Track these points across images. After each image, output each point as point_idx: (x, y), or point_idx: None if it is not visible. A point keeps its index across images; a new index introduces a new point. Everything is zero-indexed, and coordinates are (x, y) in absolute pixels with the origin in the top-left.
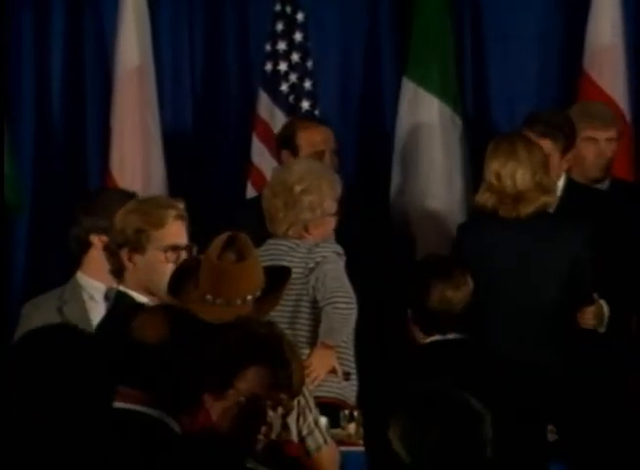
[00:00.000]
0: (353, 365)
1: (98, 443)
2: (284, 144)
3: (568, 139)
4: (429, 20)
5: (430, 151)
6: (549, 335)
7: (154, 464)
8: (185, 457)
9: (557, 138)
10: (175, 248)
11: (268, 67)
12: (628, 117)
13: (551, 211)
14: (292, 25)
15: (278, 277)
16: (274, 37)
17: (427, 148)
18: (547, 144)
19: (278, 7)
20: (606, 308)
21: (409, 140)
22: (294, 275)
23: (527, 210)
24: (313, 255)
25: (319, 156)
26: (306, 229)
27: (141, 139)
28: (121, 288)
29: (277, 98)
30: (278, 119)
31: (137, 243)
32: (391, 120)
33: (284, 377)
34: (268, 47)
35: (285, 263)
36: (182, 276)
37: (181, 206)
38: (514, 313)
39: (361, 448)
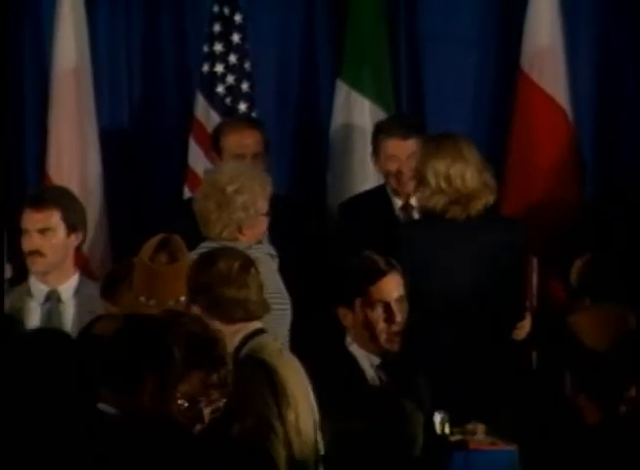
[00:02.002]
0: None
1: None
2: (212, 146)
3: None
4: (363, 22)
5: (362, 152)
6: (498, 334)
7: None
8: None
9: (419, 135)
10: None
11: (205, 68)
12: (570, 116)
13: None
14: (229, 27)
15: None
16: (212, 39)
17: (359, 150)
18: (413, 142)
19: (216, 8)
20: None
21: (342, 142)
22: None
23: (477, 209)
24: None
25: (240, 159)
26: (240, 230)
27: (78, 140)
28: None
29: (213, 100)
30: (214, 122)
31: None
32: (327, 122)
33: (221, 376)
34: (206, 48)
35: None
36: (114, 278)
37: None
38: (462, 312)
39: None
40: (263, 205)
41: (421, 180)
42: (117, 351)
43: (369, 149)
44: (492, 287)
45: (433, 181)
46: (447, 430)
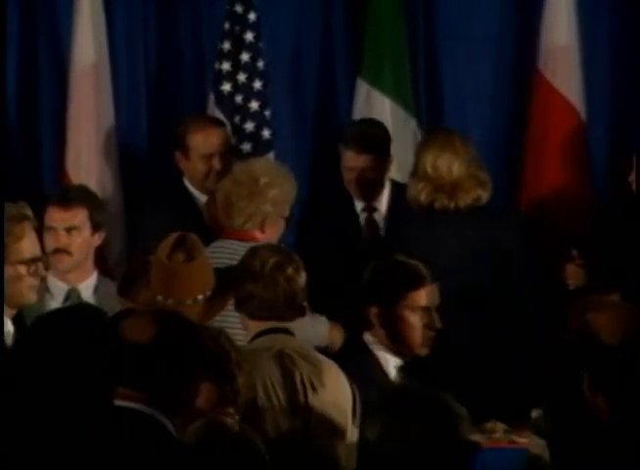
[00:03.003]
0: None
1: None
2: (176, 145)
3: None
4: (382, 20)
5: None
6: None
7: (143, 460)
8: (174, 456)
9: (376, 151)
10: (34, 260)
11: (217, 66)
12: (583, 116)
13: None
14: (243, 25)
15: (227, 278)
16: (223, 37)
17: None
18: (367, 158)
19: (229, 6)
20: None
21: None
22: None
23: (465, 200)
24: None
25: (208, 158)
26: (262, 225)
27: (96, 137)
28: None
29: (219, 98)
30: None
31: None
32: (345, 121)
33: (230, 392)
34: (220, 46)
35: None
36: (132, 277)
37: (30, 214)
38: (458, 307)
39: None
40: (288, 207)
41: (413, 172)
42: (165, 353)
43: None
44: (483, 283)
45: (421, 170)
46: None
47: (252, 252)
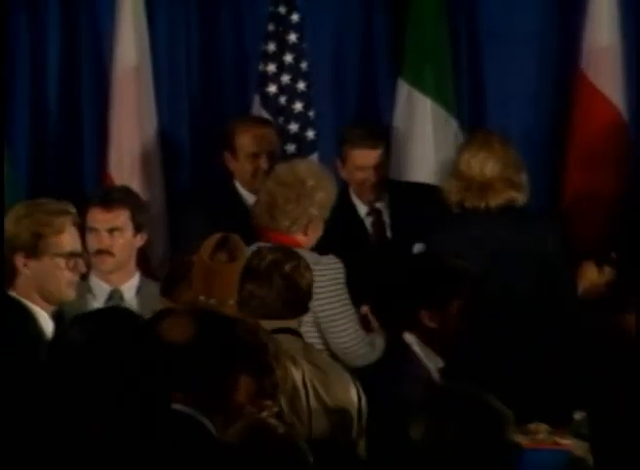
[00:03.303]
0: None
1: (134, 438)
2: (224, 145)
3: (386, 144)
4: (424, 21)
5: (424, 153)
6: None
7: (184, 459)
8: (214, 457)
9: (384, 143)
10: (73, 255)
11: (261, 68)
12: (625, 117)
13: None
14: (286, 26)
15: None
16: (267, 38)
17: (421, 150)
18: (380, 151)
19: (272, 8)
20: None
21: (404, 142)
22: None
23: (496, 201)
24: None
25: (255, 158)
26: (307, 228)
27: (138, 138)
28: (13, 294)
29: (265, 99)
30: None
31: (34, 248)
32: (387, 122)
33: (269, 385)
34: (263, 48)
35: None
36: (174, 277)
37: (73, 211)
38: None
39: None
40: (329, 210)
41: (451, 171)
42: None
43: (430, 147)
44: (514, 284)
45: (456, 169)
46: None
47: (257, 251)
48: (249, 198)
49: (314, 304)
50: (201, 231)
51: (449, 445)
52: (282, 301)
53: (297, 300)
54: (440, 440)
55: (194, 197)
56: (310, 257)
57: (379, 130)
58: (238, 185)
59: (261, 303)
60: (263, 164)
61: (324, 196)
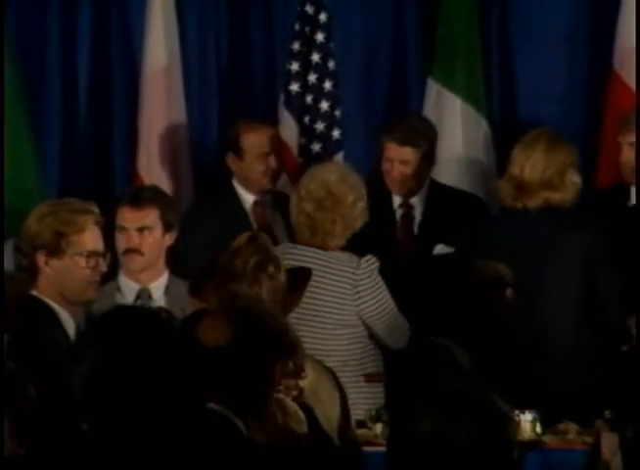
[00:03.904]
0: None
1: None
2: (229, 147)
3: (429, 144)
4: (455, 19)
5: (453, 151)
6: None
7: (215, 456)
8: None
9: (417, 144)
10: (95, 254)
11: (287, 67)
12: None
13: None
14: (313, 26)
15: (298, 278)
16: (294, 37)
17: (450, 149)
18: (408, 151)
19: (300, 7)
20: None
21: None
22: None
23: (534, 202)
24: (360, 271)
25: (264, 157)
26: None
27: (168, 138)
28: (34, 293)
29: (288, 98)
30: (288, 120)
31: (56, 247)
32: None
33: (294, 365)
34: (290, 47)
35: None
36: (203, 276)
37: (96, 210)
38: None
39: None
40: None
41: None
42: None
43: (460, 147)
44: (557, 284)
45: (508, 169)
46: (539, 430)
47: (233, 252)
48: (248, 198)
49: (362, 306)
50: (200, 231)
51: (452, 446)
52: (268, 300)
53: (279, 298)
54: (447, 438)
55: (198, 197)
56: (349, 260)
57: (421, 127)
58: (237, 185)
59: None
60: (272, 163)
61: (363, 204)
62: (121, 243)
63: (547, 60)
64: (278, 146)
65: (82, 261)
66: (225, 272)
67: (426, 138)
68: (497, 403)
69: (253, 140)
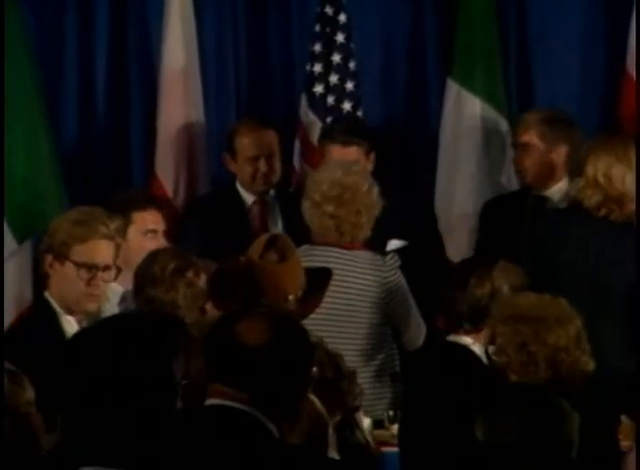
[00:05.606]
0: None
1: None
2: (226, 147)
3: (369, 142)
4: (474, 20)
5: (473, 152)
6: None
7: (247, 459)
8: (278, 458)
9: (360, 143)
10: (90, 266)
11: (308, 68)
12: None
13: None
14: (333, 27)
15: (319, 278)
16: (314, 39)
17: (470, 150)
18: (353, 151)
19: (319, 8)
20: None
21: (453, 141)
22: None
23: (630, 212)
24: (386, 269)
25: (254, 161)
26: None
27: (185, 139)
28: (46, 294)
29: (312, 99)
30: (312, 121)
31: (60, 252)
32: (436, 122)
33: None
34: (311, 48)
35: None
36: (224, 278)
37: (113, 226)
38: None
39: None
40: None
41: (580, 172)
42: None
43: (479, 148)
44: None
45: (591, 174)
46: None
47: (151, 256)
48: (248, 198)
49: (390, 303)
50: (199, 232)
51: (511, 444)
52: (185, 306)
53: (198, 304)
54: (503, 439)
55: (200, 197)
56: (374, 258)
57: (358, 129)
58: (238, 186)
59: (162, 308)
60: (262, 166)
61: (376, 189)
62: (152, 246)
63: (564, 60)
64: (273, 149)
65: (80, 273)
66: (143, 278)
67: (361, 139)
68: (555, 401)
69: (244, 143)
